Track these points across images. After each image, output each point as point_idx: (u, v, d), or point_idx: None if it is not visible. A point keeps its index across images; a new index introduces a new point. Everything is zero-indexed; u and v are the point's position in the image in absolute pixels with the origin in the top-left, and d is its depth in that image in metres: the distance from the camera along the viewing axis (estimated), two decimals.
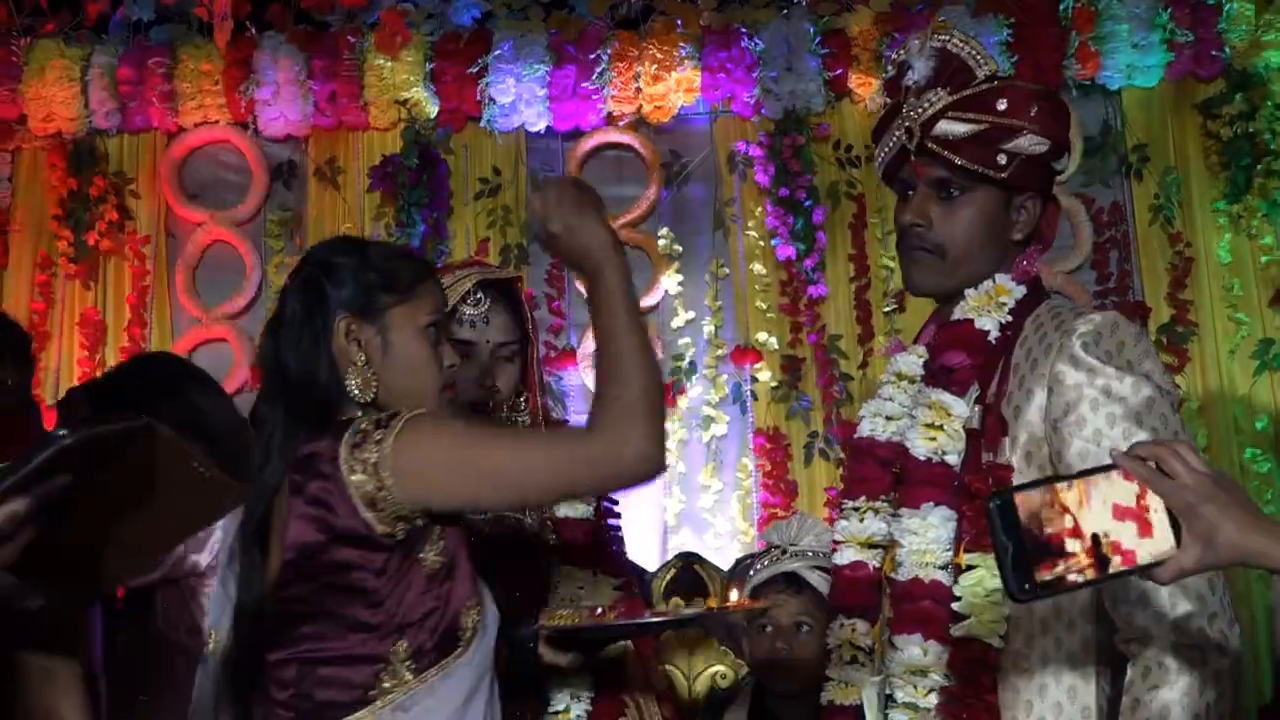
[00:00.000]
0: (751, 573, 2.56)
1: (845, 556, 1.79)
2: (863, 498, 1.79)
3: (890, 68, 1.83)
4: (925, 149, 1.73)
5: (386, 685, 1.58)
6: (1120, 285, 4.24)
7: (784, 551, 2.53)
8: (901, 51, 1.80)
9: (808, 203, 4.24)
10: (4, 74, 4.31)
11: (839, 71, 4.24)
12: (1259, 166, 4.13)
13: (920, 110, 1.73)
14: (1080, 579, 1.16)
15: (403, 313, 1.70)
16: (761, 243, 4.32)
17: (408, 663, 1.58)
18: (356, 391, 1.66)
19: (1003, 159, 1.68)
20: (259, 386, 1.75)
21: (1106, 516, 1.17)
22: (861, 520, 1.78)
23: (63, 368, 4.30)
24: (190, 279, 4.38)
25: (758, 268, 4.31)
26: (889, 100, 1.83)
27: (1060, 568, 1.15)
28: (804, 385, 4.23)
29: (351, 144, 4.45)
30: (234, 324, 4.30)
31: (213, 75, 4.30)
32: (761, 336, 4.27)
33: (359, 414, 1.64)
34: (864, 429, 1.82)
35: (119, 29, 4.43)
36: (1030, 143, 1.68)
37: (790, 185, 4.25)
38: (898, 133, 1.77)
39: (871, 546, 1.76)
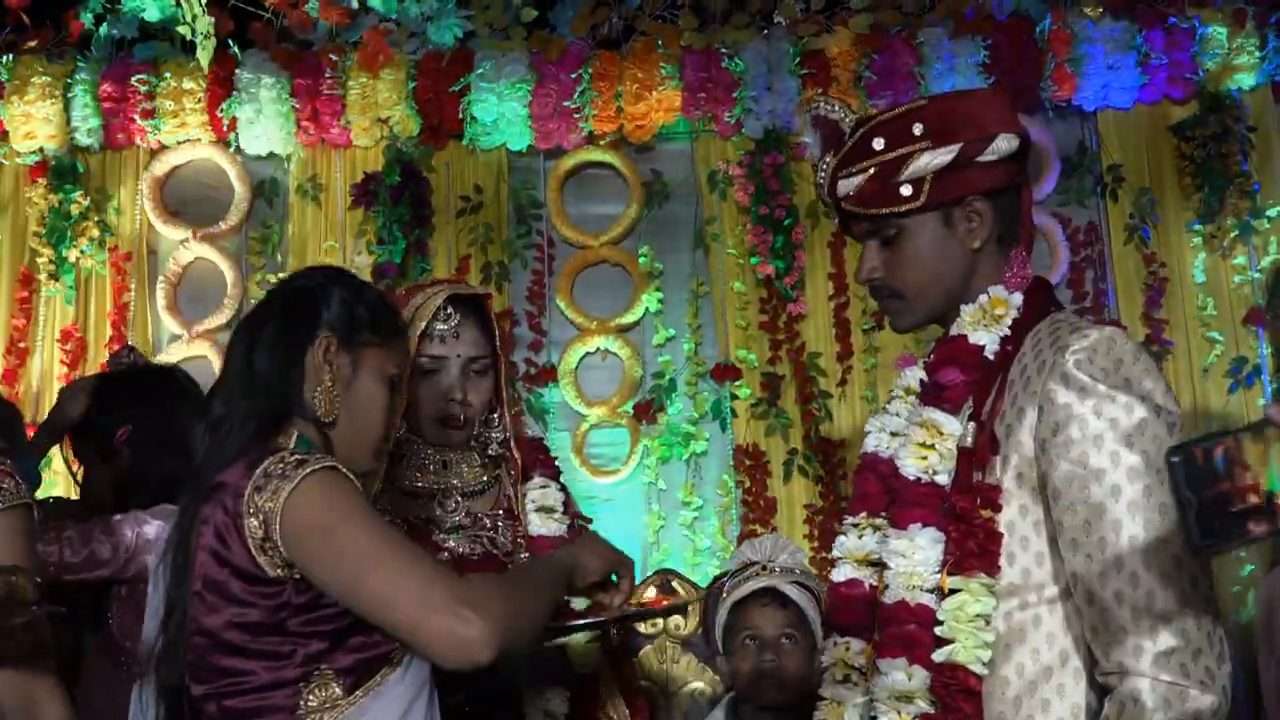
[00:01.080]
0: (726, 591, 2.57)
1: (842, 573, 1.77)
2: (863, 514, 1.77)
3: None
4: (842, 211, 1.75)
5: (314, 703, 1.59)
6: (1096, 304, 4.28)
7: (764, 567, 2.55)
8: (801, 129, 1.82)
9: (787, 221, 4.27)
10: None
11: (819, 92, 4.27)
12: (1232, 188, 4.19)
13: (822, 181, 1.75)
14: (1260, 530, 1.15)
15: (376, 355, 1.75)
16: (741, 261, 4.35)
17: (336, 681, 1.59)
18: (320, 410, 1.69)
19: (907, 189, 1.67)
20: (218, 384, 1.76)
21: None
22: (860, 537, 1.75)
23: (44, 384, 4.29)
24: (172, 296, 4.38)
25: (738, 285, 4.34)
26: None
27: (1239, 519, 1.15)
28: (783, 402, 4.25)
29: (333, 161, 4.45)
30: (216, 341, 4.29)
31: (195, 93, 4.31)
32: (741, 354, 4.29)
33: (297, 435, 1.67)
34: (869, 444, 1.80)
35: (102, 46, 4.43)
36: (929, 159, 1.66)
37: (770, 204, 4.28)
38: (826, 204, 1.80)
39: (869, 564, 1.73)
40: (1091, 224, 4.36)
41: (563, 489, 2.26)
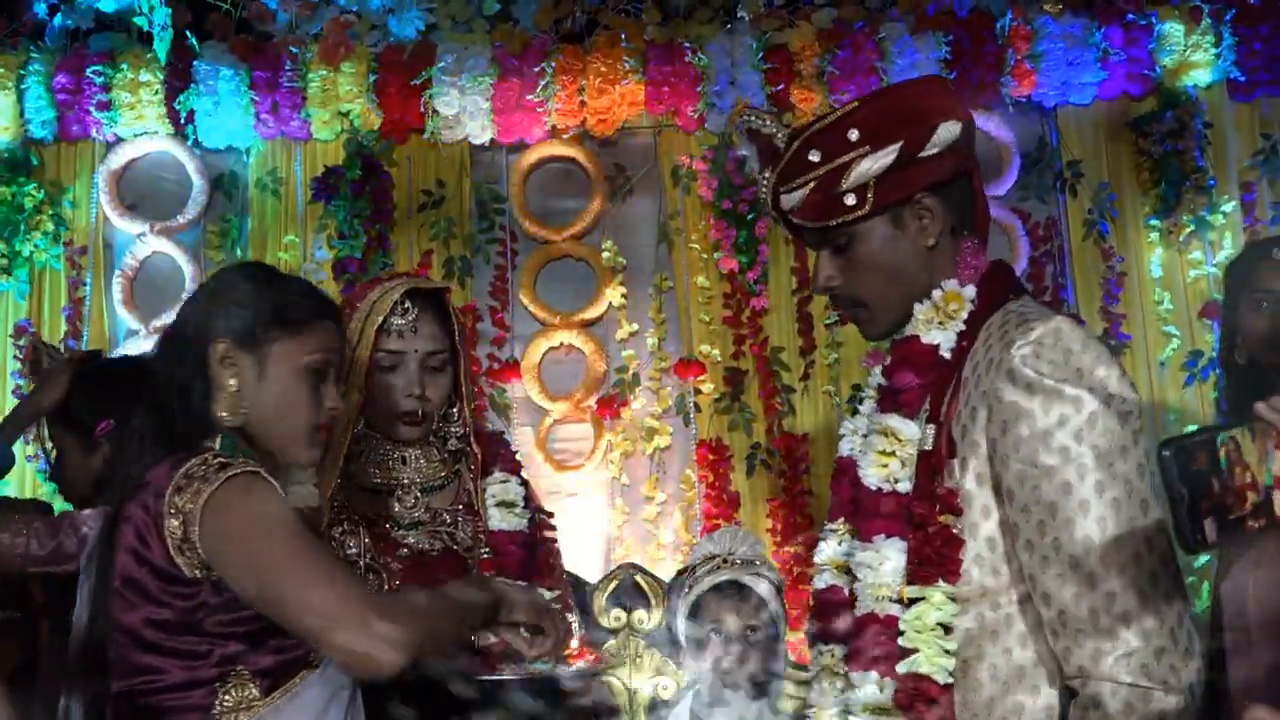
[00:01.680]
0: (689, 585, 2.57)
1: (823, 580, 1.73)
2: (840, 520, 1.73)
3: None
4: (790, 224, 1.71)
5: (229, 703, 1.59)
6: (1055, 298, 4.32)
7: (724, 560, 2.55)
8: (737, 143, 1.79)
9: (750, 216, 4.28)
10: None
11: (781, 86, 4.27)
12: (1188, 183, 4.23)
13: (763, 195, 1.72)
14: (1259, 525, 1.13)
15: (285, 349, 1.71)
16: (705, 255, 4.35)
17: (254, 683, 1.60)
18: (223, 415, 1.68)
19: (851, 199, 1.62)
20: (145, 396, 1.76)
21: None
22: (839, 543, 1.72)
23: None
24: (129, 290, 4.32)
25: (701, 280, 4.34)
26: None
27: (1234, 515, 1.13)
28: (746, 397, 4.26)
29: (293, 155, 4.41)
30: None
31: (152, 85, 4.25)
32: (705, 349, 4.29)
33: (220, 437, 1.68)
34: (843, 448, 1.77)
35: (56, 37, 4.37)
36: (871, 164, 1.61)
37: (733, 198, 4.28)
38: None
39: (848, 571, 1.68)
40: (1051, 219, 4.39)
41: (523, 483, 2.25)
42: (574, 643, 2.07)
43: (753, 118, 1.72)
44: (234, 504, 1.56)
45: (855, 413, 1.78)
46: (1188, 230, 4.26)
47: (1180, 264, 4.31)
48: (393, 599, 1.61)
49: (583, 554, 3.97)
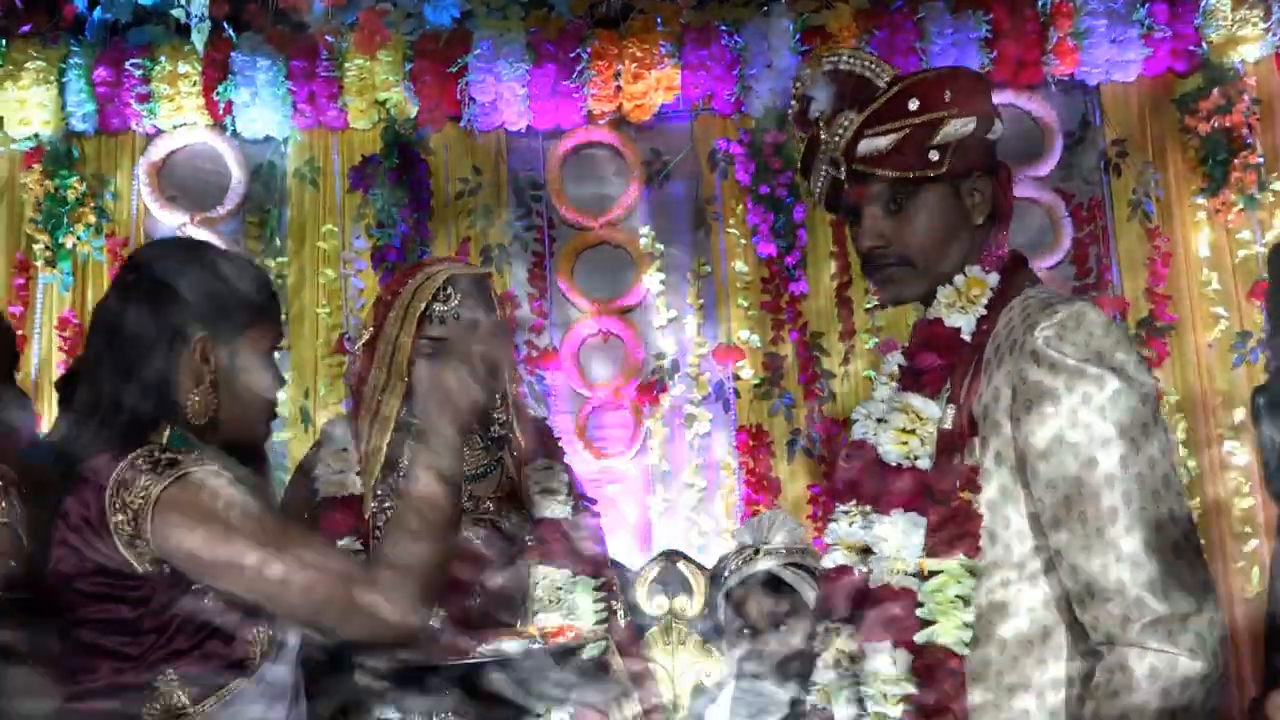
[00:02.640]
0: (725, 574, 2.56)
1: (833, 560, 1.75)
2: (852, 501, 1.75)
3: (794, 102, 1.80)
4: (856, 173, 1.70)
5: (158, 710, 1.54)
6: (1100, 280, 4.26)
7: (756, 551, 2.53)
8: (799, 84, 1.77)
9: (789, 200, 4.24)
10: None
11: (832, 46, 4.22)
12: (1236, 161, 4.15)
13: (838, 138, 1.70)
14: None
15: (254, 336, 1.68)
16: (743, 240, 4.32)
17: (184, 690, 1.54)
18: (193, 414, 1.62)
19: (935, 155, 1.66)
20: (80, 364, 1.69)
21: None
22: (850, 524, 1.74)
23: (41, 371, 4.27)
24: None
25: (739, 265, 4.31)
26: (802, 135, 1.79)
27: None
28: (786, 383, 4.23)
29: (331, 144, 4.42)
30: None
31: (190, 76, 4.27)
32: (743, 334, 4.27)
33: (169, 430, 1.60)
34: (856, 432, 1.79)
35: (96, 30, 4.39)
36: (957, 127, 1.66)
37: (771, 183, 4.25)
38: (824, 166, 1.74)
39: (859, 551, 1.72)
40: (1095, 199, 4.33)
41: (566, 470, 2.23)
42: (582, 627, 2.04)
43: (844, 56, 1.72)
44: (190, 503, 1.51)
45: (869, 397, 1.82)
46: (1236, 209, 4.19)
47: (1228, 243, 4.23)
48: (374, 559, 1.57)
49: (623, 541, 3.96)
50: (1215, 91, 4.19)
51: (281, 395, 1.82)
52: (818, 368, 4.22)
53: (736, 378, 4.26)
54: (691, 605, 3.16)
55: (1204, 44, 4.22)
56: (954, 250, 1.71)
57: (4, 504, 1.48)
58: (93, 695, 1.55)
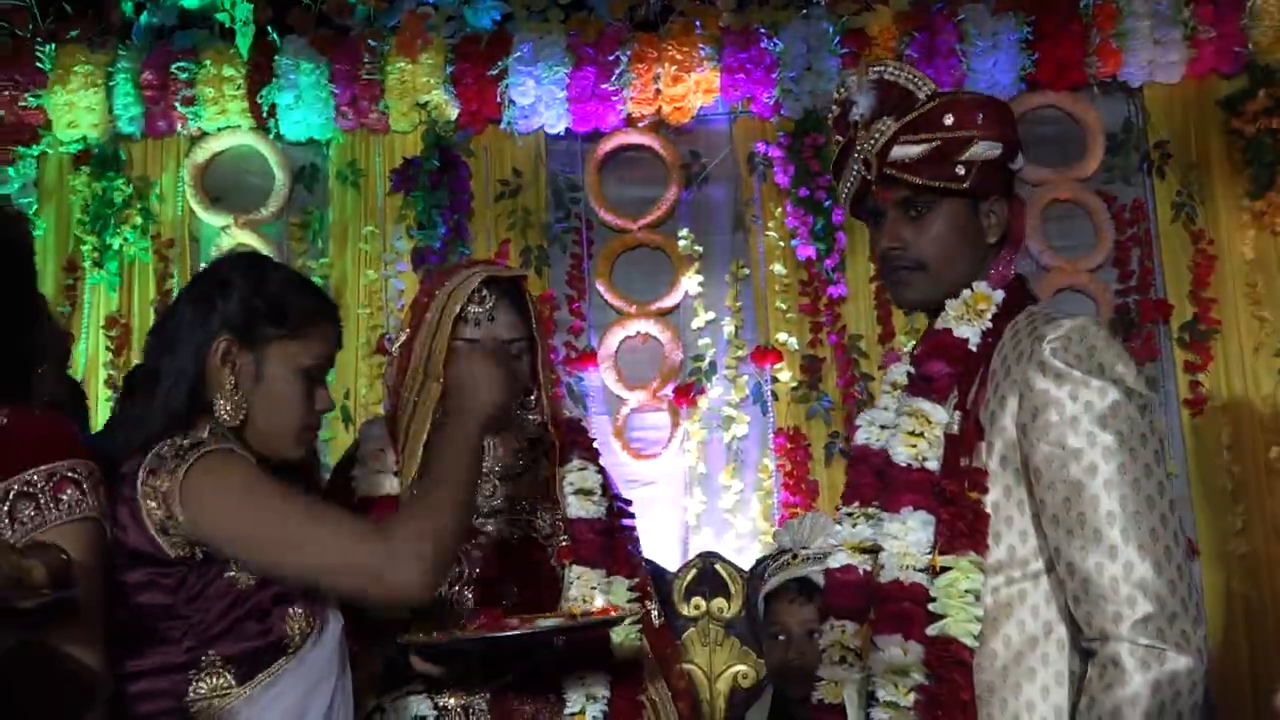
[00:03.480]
0: (764, 577, 2.56)
1: (838, 560, 1.84)
2: (856, 503, 1.85)
3: (835, 107, 1.89)
4: (885, 176, 1.79)
5: (204, 691, 1.58)
6: (1142, 283, 4.22)
7: (794, 556, 2.53)
8: (842, 90, 1.86)
9: (827, 203, 4.23)
10: (29, 80, 4.35)
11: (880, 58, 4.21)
12: None
13: (873, 142, 1.79)
14: None
15: (284, 349, 1.70)
16: (781, 243, 4.32)
17: (227, 671, 1.59)
18: (225, 415, 1.67)
19: (961, 170, 1.75)
20: (137, 384, 1.75)
21: None
22: (854, 525, 1.83)
23: (89, 370, 4.34)
24: None
25: (778, 268, 4.31)
26: (839, 138, 1.87)
27: None
28: (824, 385, 4.23)
29: (372, 147, 4.47)
30: None
31: (235, 80, 4.33)
32: (782, 337, 4.26)
33: (209, 429, 1.66)
34: (859, 438, 1.89)
35: (142, 34, 4.46)
36: (984, 149, 1.75)
37: (810, 185, 4.25)
38: (856, 167, 1.83)
39: (863, 551, 1.81)
40: (1138, 201, 4.29)
41: (601, 470, 2.23)
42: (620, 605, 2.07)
43: (890, 67, 1.81)
44: (214, 478, 1.57)
45: (872, 402, 1.89)
46: None
47: (1274, 246, 4.18)
48: (400, 521, 1.62)
49: (661, 543, 3.97)
50: (1261, 93, 4.15)
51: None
52: (856, 371, 4.21)
53: (774, 380, 4.25)
54: (729, 607, 3.15)
55: (1249, 44, 4.18)
56: (965, 263, 1.80)
57: (93, 500, 1.52)
58: (141, 676, 1.60)
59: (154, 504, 1.57)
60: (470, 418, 1.74)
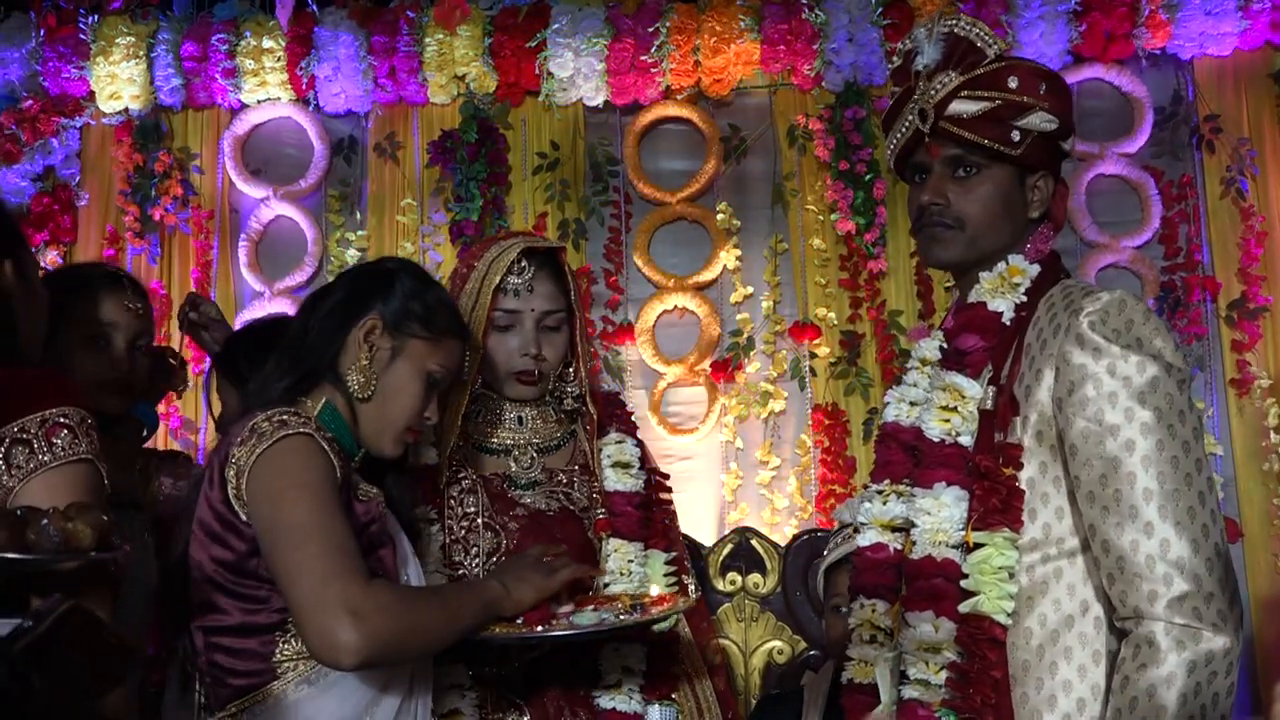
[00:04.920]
0: (826, 552, 2.55)
1: (868, 538, 1.83)
2: (886, 481, 1.83)
3: (897, 58, 1.87)
4: (939, 130, 1.76)
5: (289, 653, 1.65)
6: (1189, 260, 4.14)
7: (855, 530, 2.52)
8: (909, 40, 1.84)
9: (868, 176, 4.19)
10: (72, 51, 4.38)
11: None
12: None
13: (933, 93, 1.76)
14: None
15: (420, 348, 1.82)
16: (821, 217, 4.28)
17: None
18: (355, 386, 1.78)
19: (1016, 135, 1.73)
20: (277, 334, 1.88)
21: None
22: (884, 503, 1.81)
23: None
24: (253, 253, 4.43)
25: (817, 242, 4.27)
26: (897, 89, 1.85)
27: None
28: (863, 361, 4.19)
29: (411, 119, 4.46)
30: (296, 298, 4.33)
31: (274, 52, 4.34)
32: (820, 312, 4.23)
33: (325, 401, 1.78)
34: (889, 414, 1.87)
35: (183, 6, 4.48)
36: (1041, 120, 1.73)
37: (850, 159, 4.20)
38: (910, 117, 1.80)
39: (893, 529, 1.80)
40: (1186, 177, 4.21)
41: (639, 444, 2.23)
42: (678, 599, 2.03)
43: (964, 21, 1.79)
44: (278, 464, 1.64)
45: (899, 382, 1.89)
46: None
47: None
48: (382, 594, 1.61)
49: (697, 518, 3.96)
50: None
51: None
52: (895, 346, 4.17)
53: (813, 355, 4.22)
54: (764, 582, 3.14)
55: None
56: (1004, 231, 1.78)
57: (86, 444, 1.53)
58: (227, 632, 1.68)
59: (232, 473, 1.65)
60: (498, 597, 1.77)
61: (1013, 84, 1.73)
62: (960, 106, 1.74)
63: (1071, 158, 1.85)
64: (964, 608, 1.63)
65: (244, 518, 1.65)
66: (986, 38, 1.77)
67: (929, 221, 1.79)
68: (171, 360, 2.64)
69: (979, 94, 1.73)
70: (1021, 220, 1.78)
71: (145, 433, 2.53)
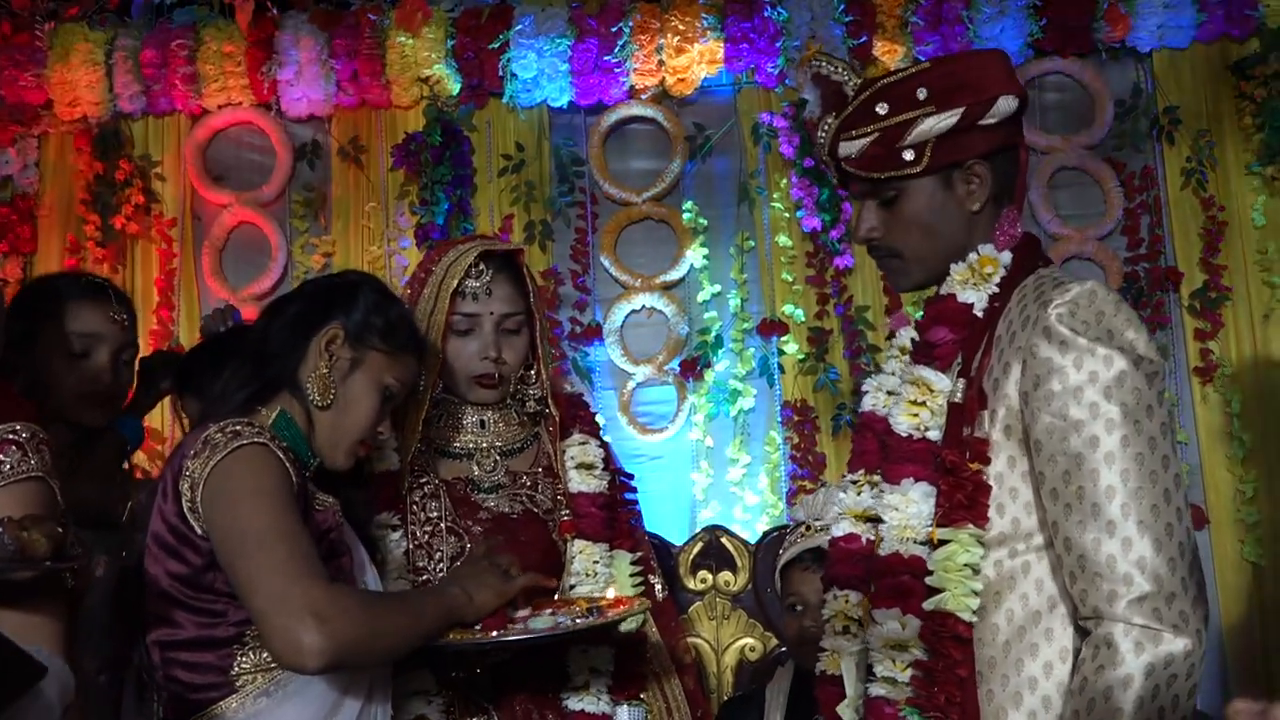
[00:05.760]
0: (781, 551, 2.56)
1: (841, 528, 1.82)
2: (860, 471, 1.81)
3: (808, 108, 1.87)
4: (843, 172, 1.77)
5: (247, 666, 1.65)
6: (1152, 250, 4.17)
7: (809, 527, 2.52)
8: (798, 85, 1.84)
9: None
10: (29, 59, 4.31)
11: (863, 39, 4.17)
12: None
13: (822, 141, 1.77)
14: None
15: (379, 361, 1.83)
16: (787, 214, 4.28)
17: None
18: (315, 395, 1.79)
19: (909, 154, 1.70)
20: (238, 343, 1.88)
21: None
22: (858, 494, 1.80)
23: None
24: (217, 261, 4.39)
25: (783, 239, 4.28)
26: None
27: None
28: (831, 357, 4.20)
29: (374, 122, 4.43)
30: (261, 305, 4.28)
31: (235, 56, 4.30)
32: (788, 309, 4.23)
33: (280, 410, 1.78)
34: (865, 404, 1.85)
35: (141, 12, 4.43)
36: (934, 123, 1.68)
37: (815, 156, 4.20)
38: (826, 159, 1.82)
39: (866, 519, 1.78)
40: (1147, 168, 4.24)
41: (603, 445, 2.23)
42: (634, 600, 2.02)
43: (823, 63, 1.78)
44: (230, 476, 1.63)
45: (878, 370, 1.88)
46: None
47: None
48: (344, 598, 1.60)
49: (668, 517, 3.95)
50: (1272, 57, 4.09)
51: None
52: (863, 342, 4.18)
53: (781, 352, 4.23)
54: (735, 580, 3.15)
55: (1260, 7, 4.12)
56: (947, 239, 1.74)
57: (36, 460, 1.51)
58: (183, 646, 1.67)
59: (186, 486, 1.65)
60: (460, 603, 1.78)
61: (882, 110, 1.70)
62: (845, 149, 1.73)
63: (1030, 142, 1.82)
64: (928, 605, 1.61)
65: (200, 531, 1.64)
66: (843, 74, 1.75)
67: (875, 254, 1.80)
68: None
69: (853, 133, 1.72)
70: (964, 218, 1.73)
71: (129, 447, 2.49)
